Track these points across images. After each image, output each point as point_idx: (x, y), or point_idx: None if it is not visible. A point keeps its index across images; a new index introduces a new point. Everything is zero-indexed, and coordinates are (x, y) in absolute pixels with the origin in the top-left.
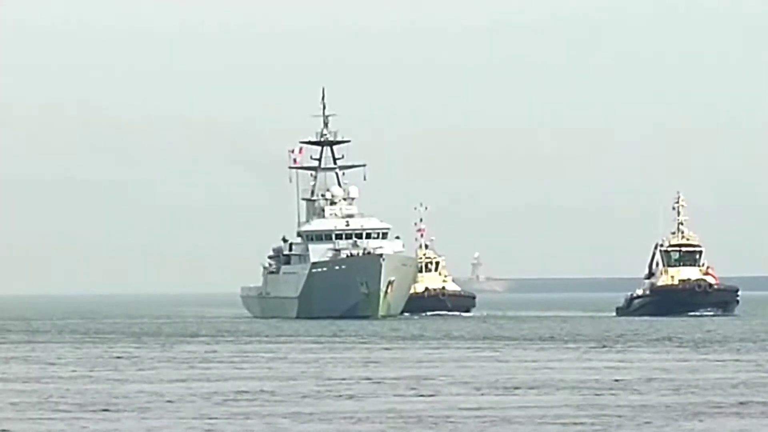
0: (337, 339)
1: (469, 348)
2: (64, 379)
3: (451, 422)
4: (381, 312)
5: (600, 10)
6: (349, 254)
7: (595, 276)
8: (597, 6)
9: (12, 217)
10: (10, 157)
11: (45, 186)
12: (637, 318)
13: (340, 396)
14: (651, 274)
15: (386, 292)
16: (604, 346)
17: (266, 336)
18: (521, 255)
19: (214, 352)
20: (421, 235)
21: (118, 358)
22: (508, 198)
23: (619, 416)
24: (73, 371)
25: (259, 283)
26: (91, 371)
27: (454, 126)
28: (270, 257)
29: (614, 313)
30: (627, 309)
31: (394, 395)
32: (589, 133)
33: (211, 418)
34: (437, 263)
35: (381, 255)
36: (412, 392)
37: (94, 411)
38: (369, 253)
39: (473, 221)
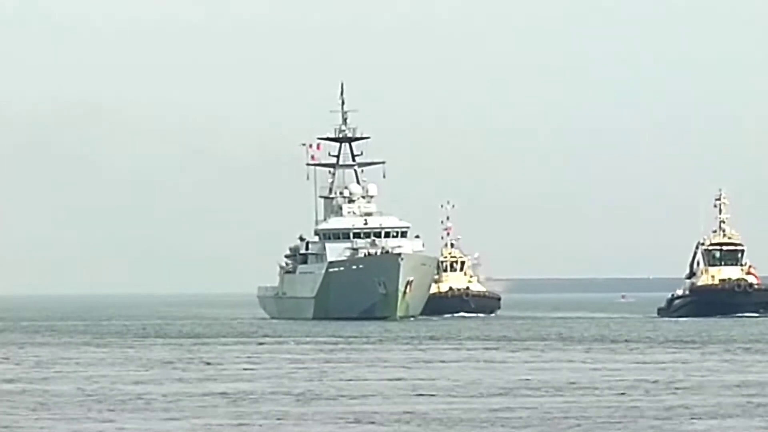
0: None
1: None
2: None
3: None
4: (399, 313)
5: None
6: (366, 253)
7: (594, 276)
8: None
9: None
10: (15, 158)
11: (60, 188)
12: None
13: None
14: (692, 274)
15: (405, 292)
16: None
17: (279, 336)
18: (521, 255)
19: (217, 352)
20: (447, 234)
21: (128, 359)
22: (509, 197)
23: None
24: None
25: (276, 283)
26: (99, 371)
27: (470, 125)
28: (287, 256)
29: (655, 314)
30: (667, 310)
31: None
32: (593, 132)
33: (216, 418)
34: (462, 263)
35: (399, 254)
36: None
37: (98, 411)
38: (387, 252)
39: (473, 220)
